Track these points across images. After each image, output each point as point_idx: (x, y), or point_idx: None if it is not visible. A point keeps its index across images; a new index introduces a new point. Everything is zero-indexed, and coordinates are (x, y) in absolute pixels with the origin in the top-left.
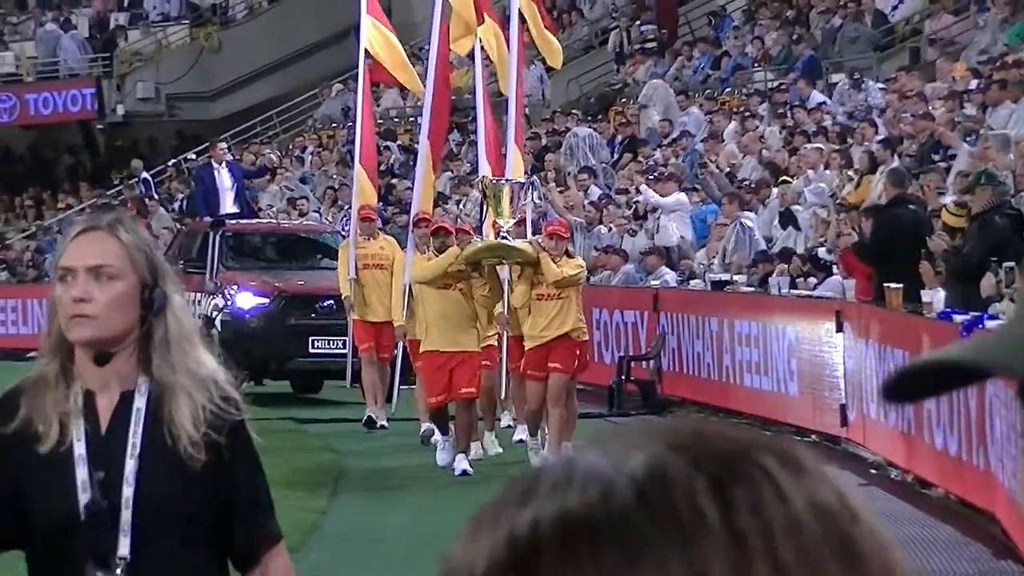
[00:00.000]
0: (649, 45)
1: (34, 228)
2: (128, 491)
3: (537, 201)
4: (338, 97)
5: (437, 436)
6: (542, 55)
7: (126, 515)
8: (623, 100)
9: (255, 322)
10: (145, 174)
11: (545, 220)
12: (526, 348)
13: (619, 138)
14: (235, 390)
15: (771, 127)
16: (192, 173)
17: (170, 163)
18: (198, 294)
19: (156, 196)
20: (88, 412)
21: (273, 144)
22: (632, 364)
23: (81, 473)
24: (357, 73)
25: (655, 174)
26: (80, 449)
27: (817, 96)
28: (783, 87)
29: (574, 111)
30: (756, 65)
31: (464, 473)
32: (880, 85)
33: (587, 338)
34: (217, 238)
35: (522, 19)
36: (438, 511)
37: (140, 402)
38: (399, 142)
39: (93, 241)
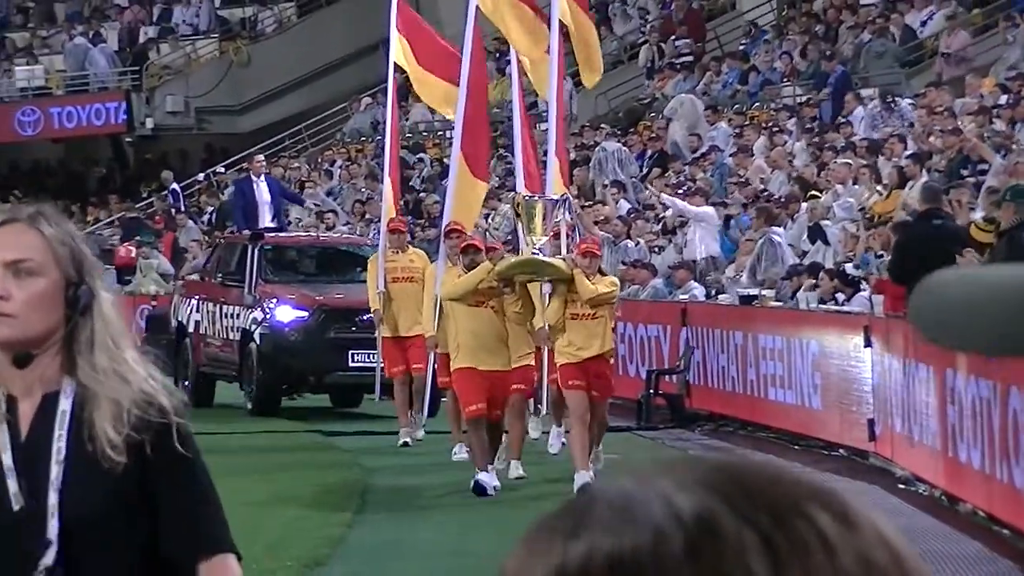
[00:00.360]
0: (684, 59)
1: None
2: (54, 498)
3: (570, 218)
4: (367, 111)
5: (460, 453)
6: (574, 69)
7: (53, 523)
8: (652, 115)
9: (294, 336)
10: (175, 185)
11: (578, 237)
12: (559, 363)
13: (648, 152)
14: (168, 395)
15: (799, 142)
16: (228, 186)
17: (200, 176)
18: (236, 307)
19: (184, 209)
20: (11, 418)
21: (302, 158)
22: (660, 378)
23: (12, 485)
24: (386, 87)
25: (683, 189)
26: (7, 460)
27: (860, 112)
28: (811, 102)
29: (602, 125)
30: (784, 80)
31: (483, 492)
32: (909, 101)
33: (612, 358)
34: (256, 251)
35: (563, 28)
36: (463, 528)
37: (65, 405)
38: (428, 155)
39: (11, 234)
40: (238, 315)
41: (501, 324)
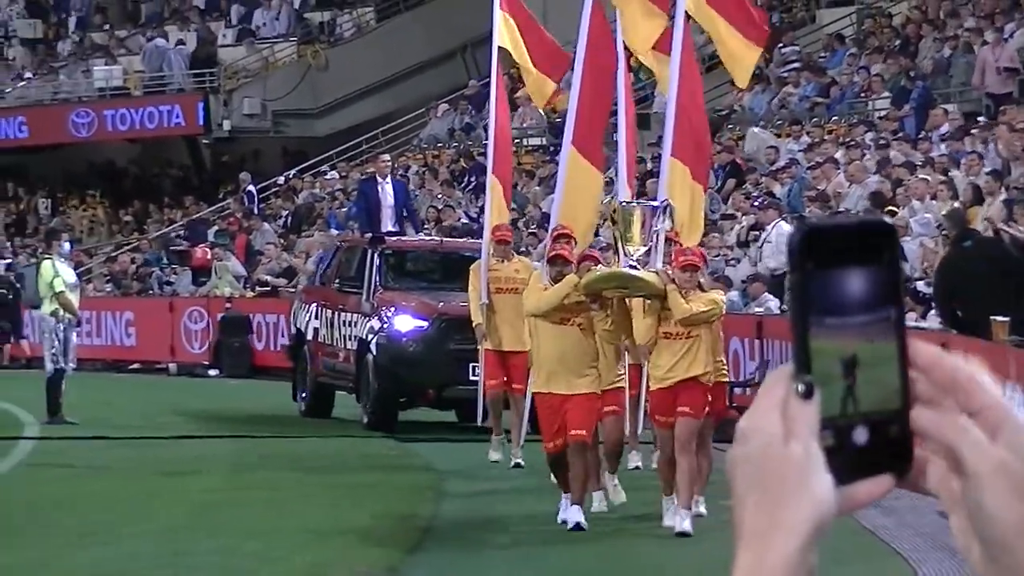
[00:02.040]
0: (793, 65)
1: (138, 242)
2: None
3: (670, 227)
4: (444, 117)
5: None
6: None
7: None
8: (730, 126)
9: (413, 346)
10: (251, 187)
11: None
12: (650, 389)
13: (725, 165)
14: None
15: (877, 156)
16: (302, 190)
17: (279, 179)
18: (354, 315)
19: (259, 211)
20: None
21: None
22: (735, 391)
23: None
24: (464, 93)
25: (758, 202)
26: None
27: (942, 128)
28: (889, 116)
29: None
30: (863, 94)
31: (577, 527)
32: (982, 119)
33: (724, 379)
34: (376, 256)
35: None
36: (542, 568)
37: None
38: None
39: None
40: (355, 323)
41: (590, 343)
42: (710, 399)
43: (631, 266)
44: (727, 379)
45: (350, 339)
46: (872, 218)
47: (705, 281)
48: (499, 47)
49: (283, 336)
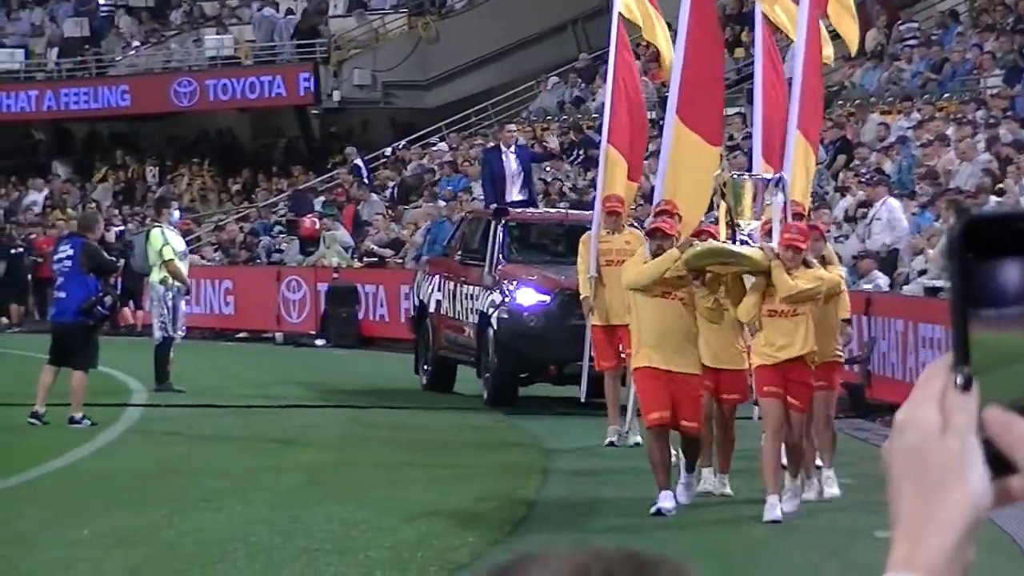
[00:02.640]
0: (909, 41)
1: (247, 211)
2: None
3: (782, 201)
4: (554, 90)
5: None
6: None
7: None
8: (839, 102)
9: (534, 321)
10: (358, 160)
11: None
12: (755, 366)
13: (835, 141)
14: None
15: (987, 135)
16: (411, 161)
17: (386, 151)
18: (476, 288)
19: (368, 182)
20: None
21: (488, 135)
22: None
23: None
24: (575, 66)
25: (867, 178)
26: None
27: None
28: (999, 94)
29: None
30: (975, 72)
31: (659, 513)
32: None
33: (837, 358)
34: (499, 228)
35: None
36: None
37: None
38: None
39: None
40: (477, 296)
41: (691, 320)
42: (822, 381)
43: (742, 241)
44: (841, 358)
45: (472, 312)
46: None
47: (828, 255)
48: (619, 14)
49: (382, 307)
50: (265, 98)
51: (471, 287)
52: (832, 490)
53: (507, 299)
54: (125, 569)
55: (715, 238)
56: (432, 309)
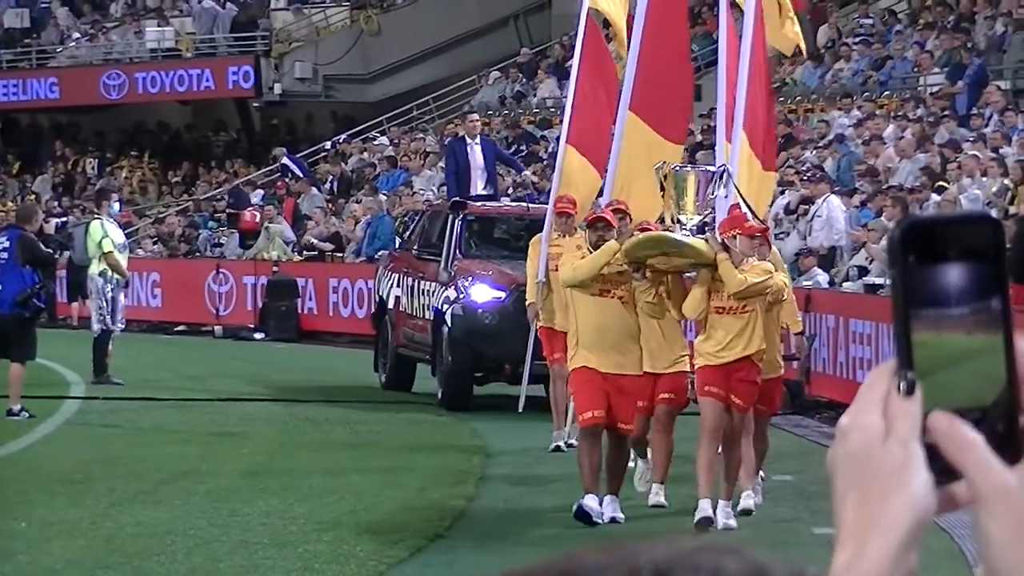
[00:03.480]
0: (849, 39)
1: (187, 204)
2: None
3: (726, 195)
4: (495, 84)
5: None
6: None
7: None
8: (780, 99)
9: (489, 319)
10: (285, 160)
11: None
12: (697, 366)
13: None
14: None
15: (933, 131)
16: (351, 155)
17: (326, 144)
18: (433, 283)
19: (305, 176)
20: None
21: (429, 129)
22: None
23: None
24: (517, 61)
25: (807, 176)
26: None
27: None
28: (941, 93)
29: None
30: (916, 69)
31: (613, 520)
32: None
33: (777, 373)
34: (457, 222)
35: None
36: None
37: None
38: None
39: None
40: (433, 292)
41: (632, 319)
42: (769, 389)
43: (685, 235)
44: (779, 374)
45: (428, 309)
46: (975, 212)
47: (774, 260)
48: (589, 8)
49: (322, 300)
50: (206, 91)
51: (428, 283)
52: (748, 503)
53: (462, 296)
54: (63, 561)
55: (611, 227)
56: (391, 305)
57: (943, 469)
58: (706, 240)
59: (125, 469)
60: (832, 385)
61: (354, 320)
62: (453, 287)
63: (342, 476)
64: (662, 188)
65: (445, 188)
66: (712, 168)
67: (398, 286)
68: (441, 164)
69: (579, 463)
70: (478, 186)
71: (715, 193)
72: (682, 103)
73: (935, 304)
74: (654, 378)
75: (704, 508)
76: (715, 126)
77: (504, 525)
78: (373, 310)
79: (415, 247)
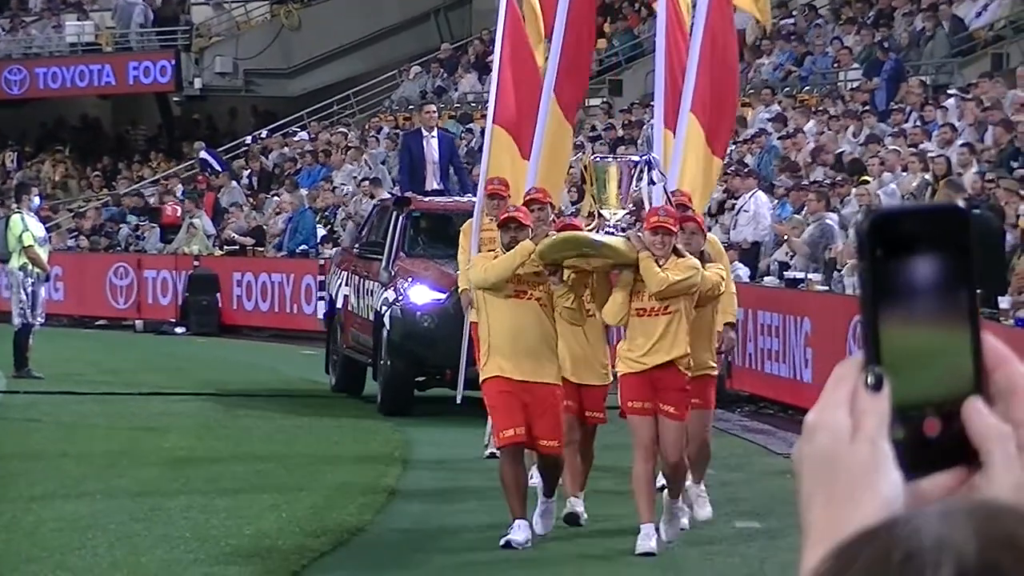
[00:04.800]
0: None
1: (108, 198)
2: None
3: (653, 185)
4: (416, 79)
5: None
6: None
7: None
8: None
9: (428, 321)
10: (203, 154)
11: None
12: (620, 374)
13: None
14: None
15: (850, 127)
16: (271, 151)
17: (247, 139)
18: (375, 283)
19: (224, 170)
20: None
21: (351, 124)
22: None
23: None
24: (438, 56)
25: (731, 170)
26: None
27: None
28: (862, 88)
29: (649, 103)
30: (835, 65)
31: (508, 545)
32: (953, 91)
33: (710, 371)
34: (400, 218)
35: None
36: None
37: None
38: (476, 125)
39: None
40: (375, 293)
41: (550, 323)
42: (701, 390)
43: (608, 233)
44: (715, 372)
45: (371, 310)
46: (944, 203)
47: (712, 251)
48: None
49: (243, 295)
50: (126, 85)
51: (372, 283)
52: (704, 510)
53: (400, 297)
54: None
55: (524, 227)
56: (340, 305)
57: (911, 464)
58: (627, 239)
59: (46, 463)
60: (753, 379)
61: (274, 314)
62: (392, 288)
63: (264, 470)
64: (583, 180)
65: (398, 183)
66: (635, 158)
67: (347, 285)
68: (365, 158)
69: (503, 486)
70: (433, 182)
71: (639, 185)
72: (583, 85)
73: (903, 297)
74: (576, 388)
75: (647, 533)
76: (642, 118)
77: (426, 516)
78: (324, 309)
79: (360, 245)
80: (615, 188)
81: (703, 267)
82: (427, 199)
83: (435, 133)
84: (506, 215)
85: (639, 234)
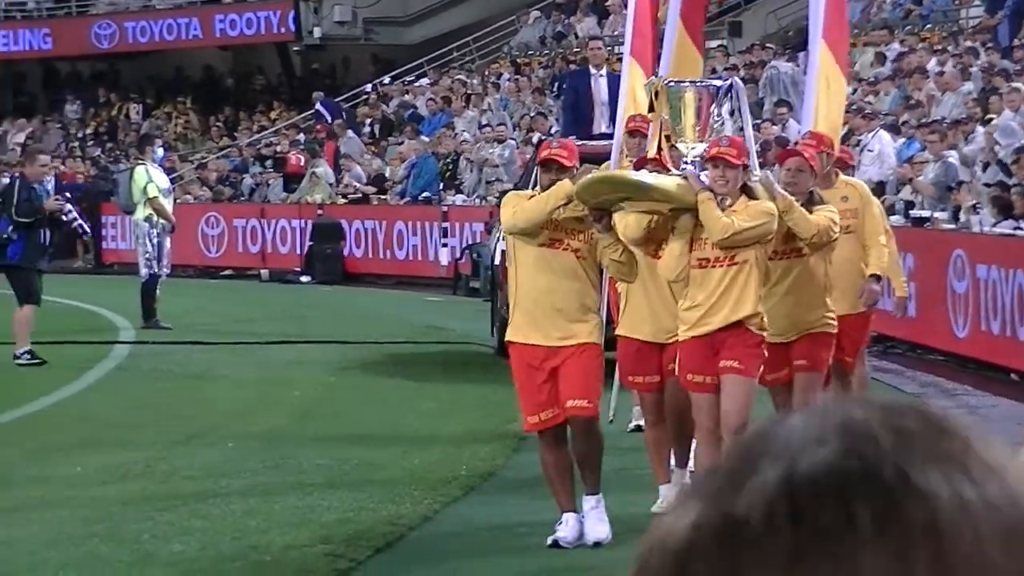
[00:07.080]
0: None
1: (230, 148)
2: None
3: (733, 116)
4: (535, 24)
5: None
6: None
7: None
8: None
9: None
10: (319, 106)
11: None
12: (680, 337)
13: None
14: None
15: (974, 66)
16: (392, 98)
17: (367, 87)
18: None
19: (343, 119)
20: None
21: (474, 71)
22: None
23: None
24: (556, 0)
25: (851, 109)
26: None
27: None
28: (982, 26)
29: (768, 44)
30: (956, 2)
31: (556, 544)
32: None
33: (826, 328)
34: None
35: None
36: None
37: None
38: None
39: None
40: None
41: (588, 280)
42: (802, 359)
43: (684, 167)
44: (831, 329)
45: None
46: None
47: (852, 196)
48: None
49: (367, 243)
50: (246, 35)
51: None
52: None
53: None
54: (119, 503)
55: (664, 169)
56: (498, 261)
57: None
58: (684, 178)
59: (176, 413)
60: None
61: (398, 262)
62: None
63: (393, 417)
64: (651, 108)
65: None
66: (717, 82)
67: (503, 239)
68: (485, 105)
69: (546, 479)
70: (601, 124)
71: (718, 116)
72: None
73: None
74: (658, 348)
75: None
76: (764, 59)
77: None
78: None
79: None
80: (691, 118)
81: (812, 211)
82: (591, 143)
83: (603, 71)
84: (546, 154)
85: (697, 173)
